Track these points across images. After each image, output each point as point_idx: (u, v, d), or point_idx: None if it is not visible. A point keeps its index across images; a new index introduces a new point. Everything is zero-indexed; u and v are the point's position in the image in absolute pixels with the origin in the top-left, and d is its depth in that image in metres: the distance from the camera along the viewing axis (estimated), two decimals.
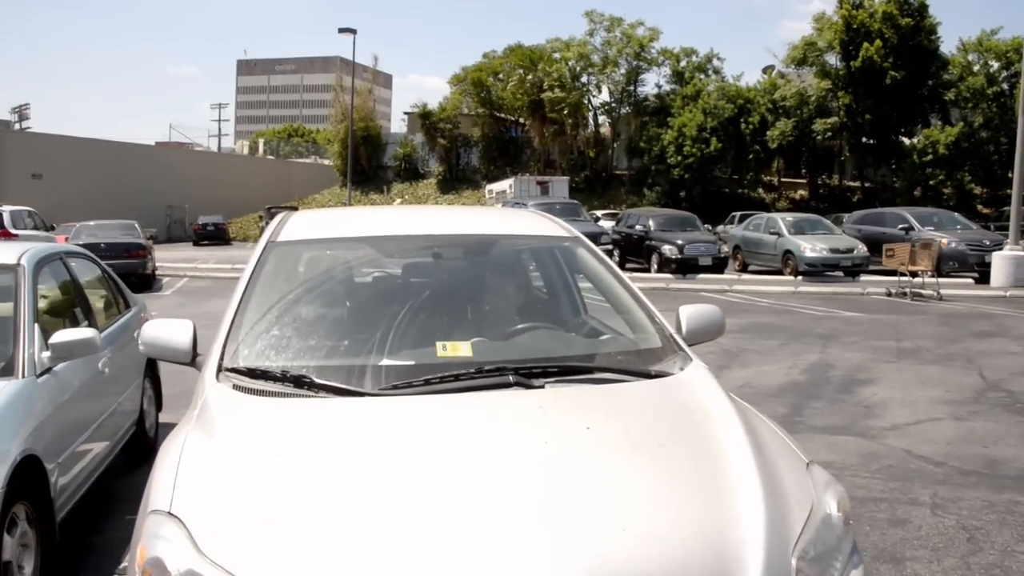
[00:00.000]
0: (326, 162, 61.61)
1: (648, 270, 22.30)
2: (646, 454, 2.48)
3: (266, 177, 60.37)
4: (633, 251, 23.66)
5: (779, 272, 21.59)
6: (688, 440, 2.61)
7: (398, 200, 50.45)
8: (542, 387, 2.83)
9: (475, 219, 4.44)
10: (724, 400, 2.87)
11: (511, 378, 2.82)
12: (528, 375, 2.86)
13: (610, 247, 23.62)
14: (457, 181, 51.83)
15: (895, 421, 7.42)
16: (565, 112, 47.61)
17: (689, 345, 3.35)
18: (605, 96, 50.49)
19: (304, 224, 3.92)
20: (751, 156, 42.88)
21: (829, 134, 42.78)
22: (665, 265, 21.61)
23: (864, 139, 42.28)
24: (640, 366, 3.09)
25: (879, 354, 10.86)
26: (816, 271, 20.62)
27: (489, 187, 44.60)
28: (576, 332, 3.62)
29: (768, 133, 42.19)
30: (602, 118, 51.37)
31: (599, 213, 36.80)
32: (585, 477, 2.32)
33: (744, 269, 23.52)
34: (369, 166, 53.37)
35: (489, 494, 2.22)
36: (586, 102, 49.70)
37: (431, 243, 3.76)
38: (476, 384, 2.80)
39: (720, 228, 33.53)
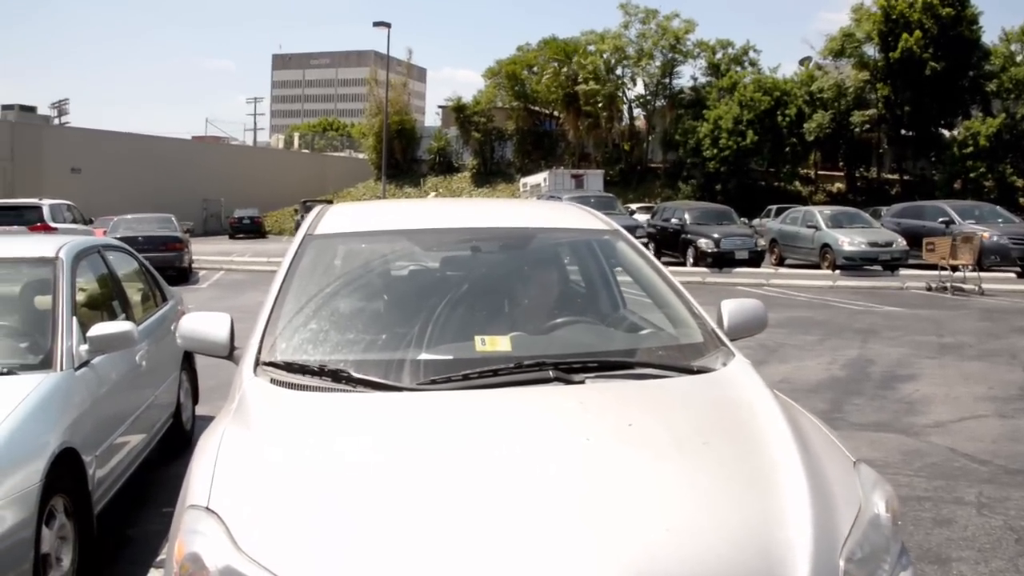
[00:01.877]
0: (361, 156, 61.92)
1: (684, 264, 22.18)
2: (690, 452, 2.45)
3: (301, 171, 60.77)
4: (668, 245, 23.55)
5: (816, 266, 21.36)
6: (732, 437, 2.58)
7: (432, 193, 50.56)
8: (582, 382, 2.81)
9: (512, 212, 4.42)
10: (768, 396, 2.84)
11: (551, 373, 2.81)
12: (568, 370, 2.84)
13: (645, 240, 23.51)
14: (491, 175, 51.88)
15: (938, 418, 7.30)
16: (600, 105, 47.52)
17: (731, 340, 3.32)
18: (640, 89, 50.39)
19: (341, 217, 3.94)
20: (788, 149, 42.48)
21: (867, 126, 42.28)
22: (701, 259, 21.49)
23: (903, 131, 41.70)
24: (682, 361, 3.06)
25: (920, 350, 10.71)
26: (854, 265, 20.39)
27: (523, 180, 44.65)
28: (616, 326, 3.61)
29: (805, 125, 41.78)
30: (637, 111, 51.27)
31: (634, 206, 36.66)
32: (628, 476, 2.30)
33: (781, 263, 23.32)
34: (404, 159, 53.58)
35: (530, 493, 2.19)
36: (621, 95, 49.56)
37: (469, 236, 3.77)
38: (515, 379, 2.78)
39: (756, 221, 33.24)
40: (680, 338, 3.30)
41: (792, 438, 2.54)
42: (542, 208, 4.76)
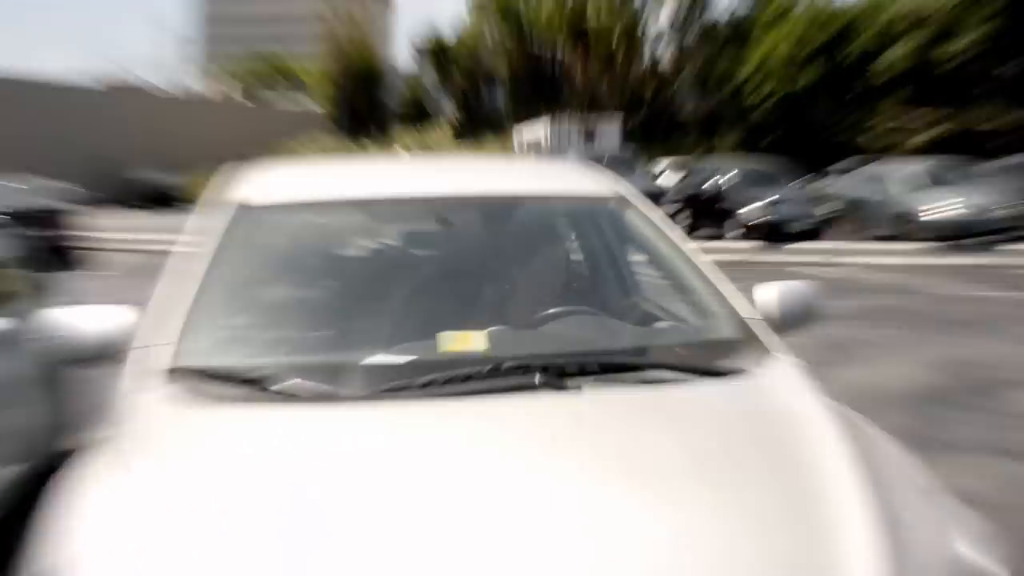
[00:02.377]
0: (314, 106, 61.98)
1: (723, 237, 22.25)
2: (714, 481, 2.44)
3: (239, 126, 60.97)
4: (704, 214, 23.70)
5: (899, 238, 21.35)
6: (771, 462, 2.57)
7: (402, 152, 50.74)
8: (578, 389, 2.85)
9: (496, 175, 4.54)
10: (822, 407, 2.85)
11: (538, 378, 2.85)
12: (560, 374, 2.88)
13: (676, 208, 23.51)
14: (478, 127, 52.23)
15: None
16: (615, 42, 47.60)
17: (776, 335, 3.40)
18: (664, 22, 50.45)
19: (276, 182, 4.04)
20: (857, 90, 42.45)
21: (963, 59, 42.01)
22: (746, 232, 21.54)
23: (1010, 64, 41.52)
24: (707, 362, 3.12)
25: None
26: (949, 236, 20.15)
27: (517, 132, 44.77)
28: (624, 318, 3.70)
29: (875, 63, 41.74)
30: (661, 49, 51.40)
31: (660, 165, 36.69)
32: (633, 513, 2.29)
33: (852, 235, 23.31)
34: (368, 110, 53.73)
35: (508, 541, 2.16)
36: (640, 34, 49.66)
37: (438, 206, 3.85)
38: (492, 386, 2.83)
39: (818, 183, 33.16)
40: (706, 332, 3.40)
41: (853, 463, 2.52)
42: (534, 169, 4.96)
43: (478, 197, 3.95)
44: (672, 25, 50.01)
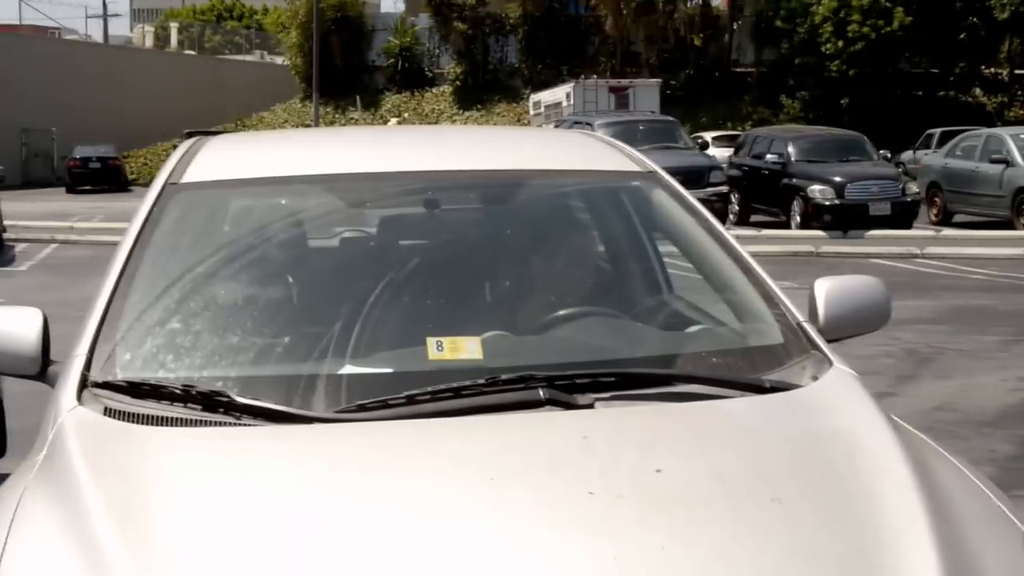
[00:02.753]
0: (279, 60, 61.61)
1: (788, 224, 22.37)
2: (752, 515, 2.41)
3: (185, 84, 60.46)
4: (763, 195, 23.69)
5: (1008, 224, 21.43)
6: (821, 492, 2.56)
7: (393, 120, 50.53)
8: (590, 406, 2.84)
9: (497, 146, 4.51)
10: (884, 428, 2.84)
11: (542, 392, 2.82)
12: (570, 387, 2.87)
13: (725, 189, 23.49)
14: (485, 89, 51.94)
15: None
16: None
17: (832, 340, 3.38)
18: None
19: (225, 156, 4.03)
20: (963, 36, 42.29)
21: None
22: (815, 216, 21.63)
23: None
24: (748, 374, 3.12)
25: None
26: None
27: (535, 97, 44.67)
28: (651, 321, 3.72)
29: None
30: None
31: (709, 136, 36.66)
32: (653, 555, 2.25)
33: (946, 220, 23.43)
34: (348, 67, 53.25)
35: None
36: None
37: (423, 184, 3.84)
38: (488, 403, 2.82)
39: (907, 155, 33.21)
40: (748, 338, 3.40)
41: (920, 496, 2.50)
42: (544, 140, 4.91)
43: (474, 173, 3.93)
44: None
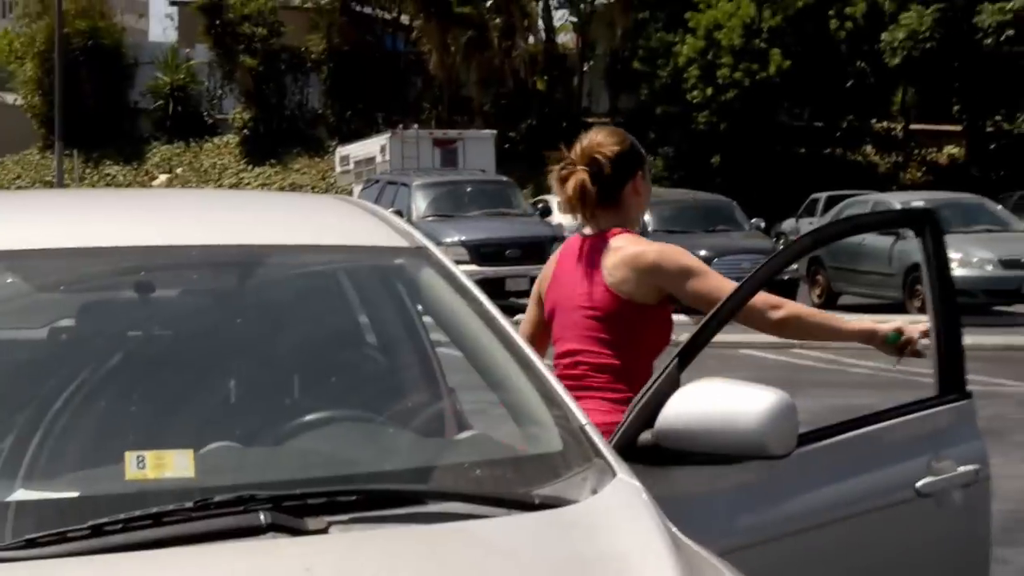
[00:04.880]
0: (12, 98, 60.27)
1: None
2: None
3: None
4: None
5: (900, 307, 22.02)
6: None
7: (162, 176, 50.15)
8: (323, 531, 2.84)
9: (235, 216, 4.48)
10: (662, 551, 2.92)
11: (263, 516, 2.82)
12: (301, 509, 2.88)
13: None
14: (281, 140, 51.82)
15: None
16: (488, 7, 47.88)
17: (678, 464, 3.63)
18: None
19: None
20: (850, 84, 43.57)
21: (1009, 34, 42.22)
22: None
23: None
24: (518, 488, 3.22)
25: None
26: (977, 302, 21.09)
27: (343, 151, 44.72)
28: (411, 425, 3.74)
29: (884, 37, 42.60)
30: (561, 16, 51.88)
31: (554, 200, 36.92)
32: None
33: (831, 302, 24.11)
34: (103, 108, 52.45)
35: None
36: None
37: (137, 262, 3.83)
38: (198, 531, 2.79)
39: (789, 224, 33.99)
40: (523, 445, 3.49)
41: None
42: (289, 208, 4.91)
43: (201, 249, 3.88)
44: None
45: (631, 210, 5.05)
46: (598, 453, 3.34)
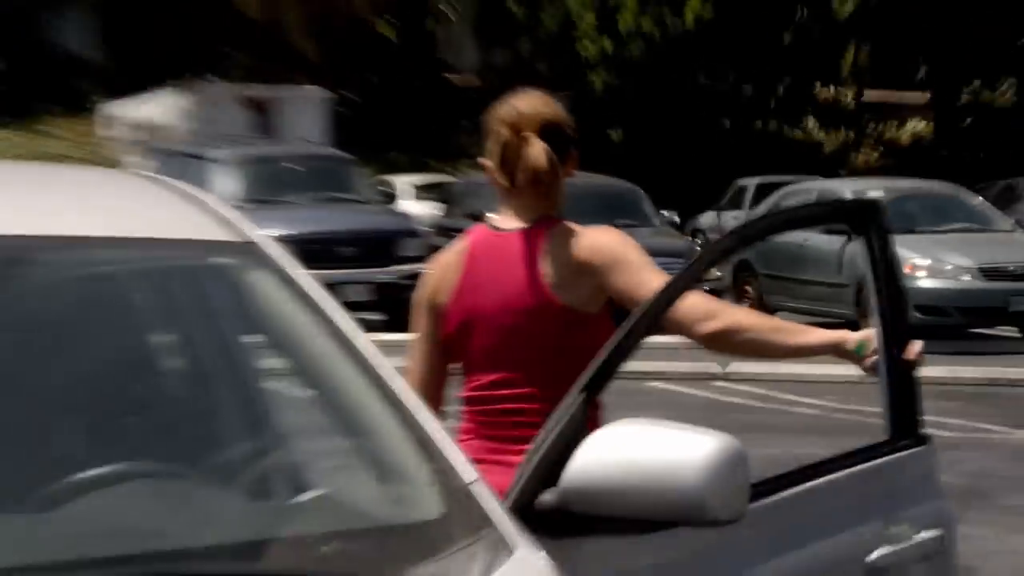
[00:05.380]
0: None
1: None
2: None
3: None
4: None
5: (852, 325, 21.97)
6: None
7: None
8: None
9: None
10: None
11: None
12: None
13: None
14: (26, 94, 51.00)
15: None
16: None
17: (588, 533, 3.63)
18: None
19: None
20: (789, 41, 43.87)
21: None
22: None
23: None
24: (378, 571, 3.20)
25: None
26: (951, 322, 21.76)
27: (115, 109, 44.47)
28: (233, 483, 3.60)
29: None
30: None
31: (403, 181, 37.09)
32: None
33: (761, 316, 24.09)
34: None
35: None
36: None
37: None
38: None
39: (708, 218, 34.36)
40: (389, 509, 3.47)
41: None
42: (71, 185, 4.71)
43: None
44: None
45: (561, 195, 5.20)
46: (491, 521, 3.30)
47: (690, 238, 27.36)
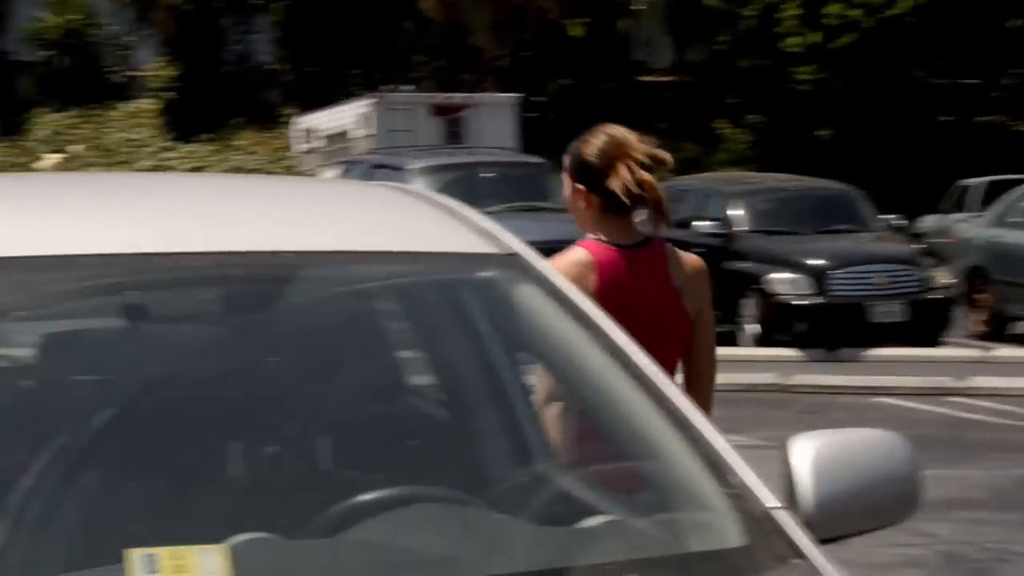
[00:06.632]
0: None
1: (734, 337, 22.90)
2: None
3: None
4: None
5: None
6: None
7: (52, 156, 50.53)
8: None
9: (252, 210, 4.43)
10: None
11: None
12: None
13: None
14: (216, 108, 52.08)
15: None
16: None
17: (824, 540, 3.51)
18: None
19: None
20: (1014, 23, 43.55)
21: None
22: (780, 323, 22.33)
23: None
24: None
25: None
26: None
27: (305, 121, 45.36)
28: (519, 508, 3.67)
29: None
30: None
31: None
32: None
33: (999, 332, 24.22)
34: None
35: None
36: None
37: (125, 276, 3.78)
38: None
39: (931, 221, 34.09)
40: (683, 536, 3.54)
41: None
42: (327, 200, 4.86)
43: (215, 258, 3.81)
44: None
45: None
46: (799, 550, 3.32)
47: (914, 244, 26.77)
